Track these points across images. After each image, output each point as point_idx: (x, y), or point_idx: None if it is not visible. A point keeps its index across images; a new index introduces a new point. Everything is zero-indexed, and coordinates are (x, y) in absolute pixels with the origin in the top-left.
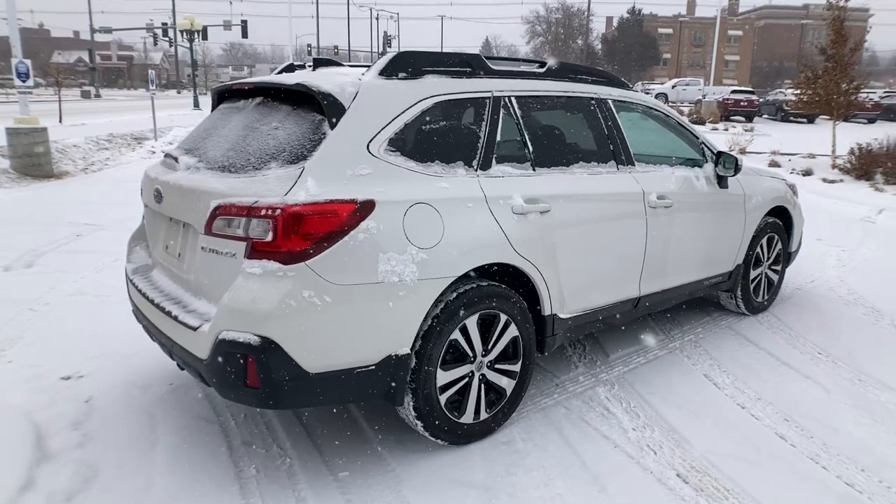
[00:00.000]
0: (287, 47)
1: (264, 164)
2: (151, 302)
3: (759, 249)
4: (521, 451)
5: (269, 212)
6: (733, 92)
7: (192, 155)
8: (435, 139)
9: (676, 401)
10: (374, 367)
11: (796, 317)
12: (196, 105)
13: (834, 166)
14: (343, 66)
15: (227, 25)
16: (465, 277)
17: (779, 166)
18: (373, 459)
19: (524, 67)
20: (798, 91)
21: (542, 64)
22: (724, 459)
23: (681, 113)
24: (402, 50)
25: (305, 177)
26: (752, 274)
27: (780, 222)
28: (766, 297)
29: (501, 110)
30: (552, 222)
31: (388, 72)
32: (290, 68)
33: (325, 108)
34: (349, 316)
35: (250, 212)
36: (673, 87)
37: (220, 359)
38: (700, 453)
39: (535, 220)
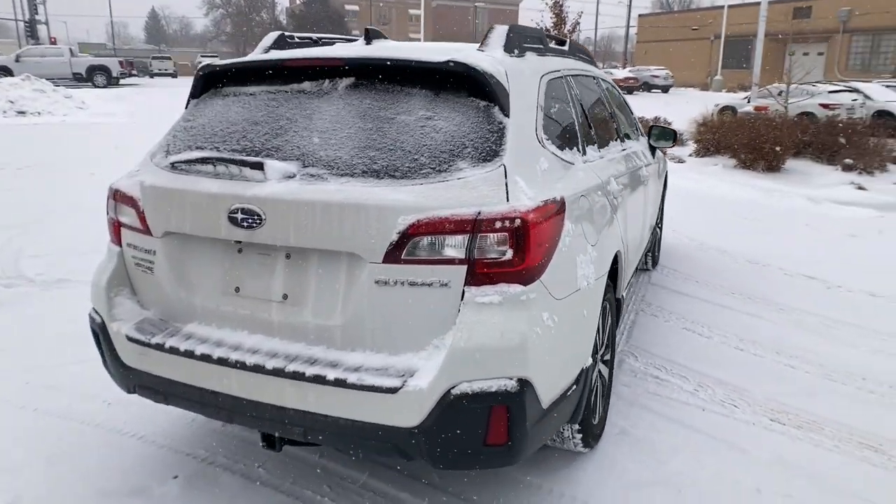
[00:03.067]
0: None
1: (448, 164)
2: (255, 369)
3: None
4: (642, 438)
5: (506, 223)
6: None
7: (282, 159)
8: (557, 123)
9: (695, 356)
10: (575, 386)
11: (680, 265)
12: None
13: None
14: (390, 40)
15: None
16: None
17: None
18: (523, 488)
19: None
20: None
21: (561, 41)
22: (787, 398)
23: None
24: (513, 24)
25: (513, 177)
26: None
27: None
28: (659, 252)
29: (571, 90)
30: (621, 204)
31: (511, 48)
32: (281, 41)
33: (490, 91)
34: (565, 333)
35: (476, 226)
36: None
37: (449, 420)
38: (765, 397)
39: (618, 203)
